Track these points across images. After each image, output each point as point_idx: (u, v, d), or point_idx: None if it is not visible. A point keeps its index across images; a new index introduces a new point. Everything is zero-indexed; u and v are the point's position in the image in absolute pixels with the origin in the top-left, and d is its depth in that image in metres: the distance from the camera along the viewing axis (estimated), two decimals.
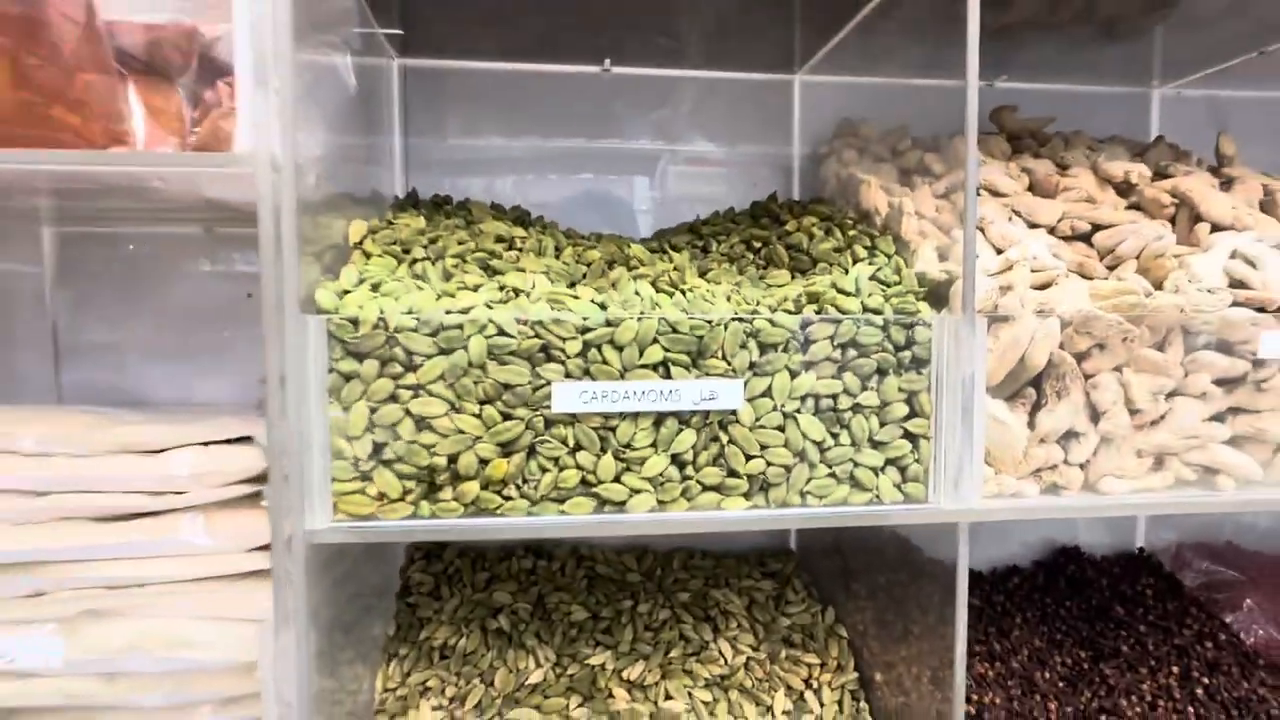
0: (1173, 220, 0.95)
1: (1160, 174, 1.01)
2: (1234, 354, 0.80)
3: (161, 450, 0.78)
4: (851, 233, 0.88)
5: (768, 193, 1.12)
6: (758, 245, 0.96)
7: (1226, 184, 1.01)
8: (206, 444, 0.80)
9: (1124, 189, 0.98)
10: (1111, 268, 0.87)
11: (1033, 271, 0.81)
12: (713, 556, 1.18)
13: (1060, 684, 1.06)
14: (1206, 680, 1.05)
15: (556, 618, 1.02)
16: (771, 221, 1.02)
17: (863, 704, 0.94)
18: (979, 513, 0.74)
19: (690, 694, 0.92)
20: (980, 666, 1.05)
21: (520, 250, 0.86)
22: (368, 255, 0.80)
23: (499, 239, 0.87)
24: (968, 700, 0.99)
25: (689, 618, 1.02)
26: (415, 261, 0.80)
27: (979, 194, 0.93)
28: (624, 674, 0.94)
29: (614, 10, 0.98)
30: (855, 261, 0.83)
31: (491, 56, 1.15)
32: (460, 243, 0.84)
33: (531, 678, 0.93)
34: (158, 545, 0.76)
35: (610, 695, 0.92)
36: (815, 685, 0.95)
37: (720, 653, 0.98)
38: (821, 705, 0.93)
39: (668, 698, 0.92)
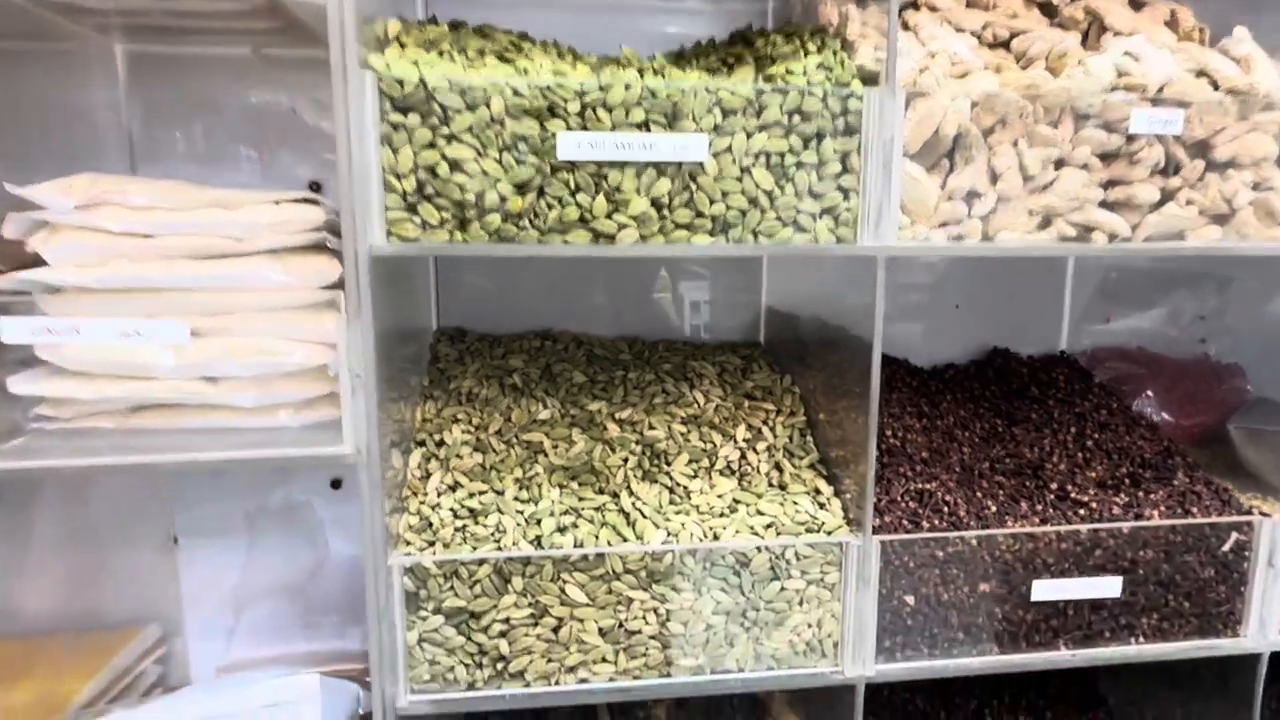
0: (1085, 35, 1.11)
1: None
2: (1113, 130, 0.98)
3: (241, 206, 0.98)
4: (807, 39, 1.05)
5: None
6: (730, 60, 1.13)
7: (1138, 6, 1.16)
8: (278, 202, 0.99)
9: (1047, 9, 1.14)
10: (1025, 69, 1.04)
11: (952, 64, 0.98)
12: (692, 344, 1.39)
13: (976, 439, 1.28)
14: (1096, 435, 1.27)
15: (561, 380, 1.23)
16: (744, 44, 1.19)
17: (808, 437, 1.17)
18: (894, 249, 0.94)
19: (669, 427, 1.14)
20: (909, 420, 1.27)
21: (529, 55, 1.03)
22: (403, 45, 0.97)
23: (511, 43, 1.04)
24: (895, 437, 1.22)
25: (670, 379, 1.24)
26: (442, 53, 0.97)
27: (919, 8, 1.09)
28: (616, 415, 1.16)
29: None
30: (806, 55, 1.00)
31: None
32: (477, 44, 1.01)
33: (541, 415, 1.15)
34: (243, 279, 0.97)
35: (605, 428, 1.14)
36: (770, 424, 1.17)
37: (695, 400, 1.20)
38: (775, 436, 1.15)
39: (651, 429, 1.14)
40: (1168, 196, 1.01)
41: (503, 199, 0.89)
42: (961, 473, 1.18)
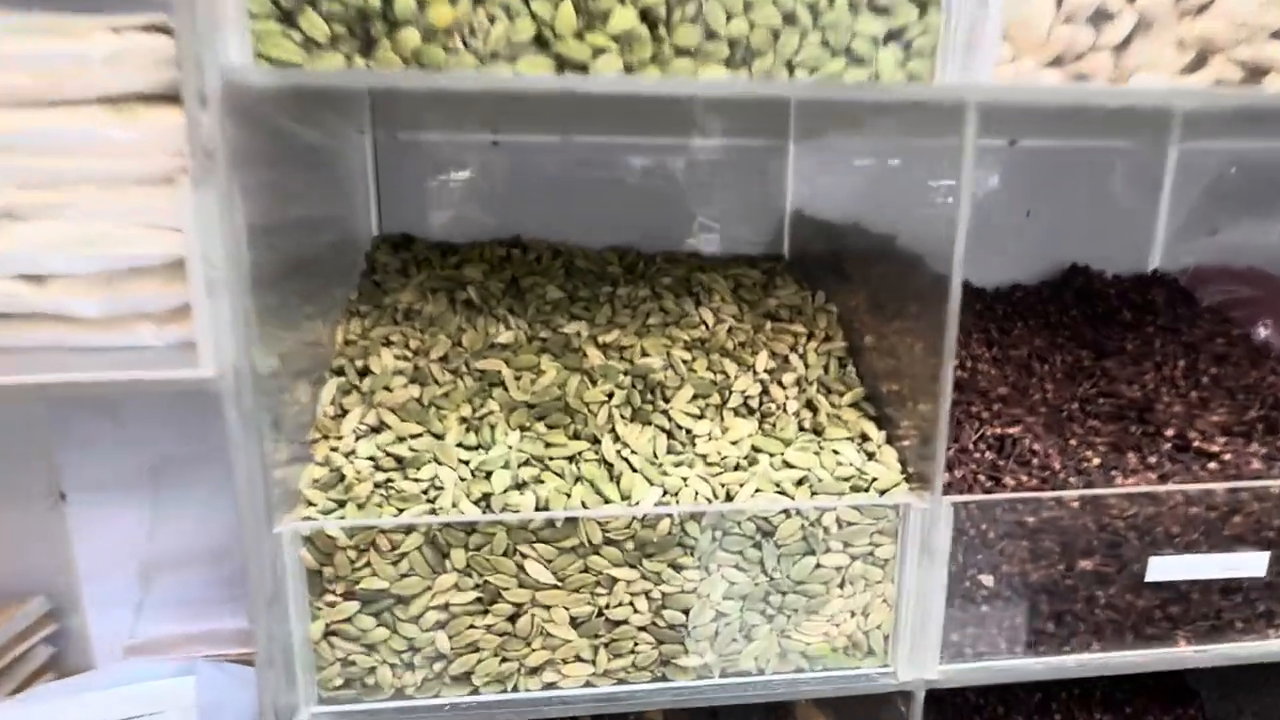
0: None
1: None
2: None
3: (68, 35, 0.70)
4: None
5: None
6: None
7: None
8: (118, 29, 0.71)
9: None
10: None
11: None
12: (699, 256, 1.11)
13: (1060, 375, 1.01)
14: (1214, 370, 1.00)
15: (531, 297, 0.96)
16: None
17: (850, 368, 0.90)
18: (990, 89, 0.66)
19: (669, 353, 0.87)
20: (978, 348, 1.00)
21: None
22: None
23: None
24: (963, 369, 0.95)
25: (671, 296, 0.96)
26: None
27: None
28: (599, 339, 0.89)
29: None
30: None
31: None
32: None
33: (500, 338, 0.89)
34: (70, 137, 0.69)
35: (584, 355, 0.87)
36: (801, 351, 0.90)
37: (702, 320, 0.92)
38: (806, 366, 0.88)
39: (644, 355, 0.87)
40: None
41: (423, 5, 0.60)
42: (1048, 413, 0.91)
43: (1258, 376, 0.98)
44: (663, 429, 0.80)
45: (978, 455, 0.81)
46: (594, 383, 0.84)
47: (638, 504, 0.73)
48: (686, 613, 0.75)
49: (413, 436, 0.76)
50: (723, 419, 0.82)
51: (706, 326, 0.92)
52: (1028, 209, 1.20)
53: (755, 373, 0.87)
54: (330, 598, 0.71)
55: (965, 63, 0.65)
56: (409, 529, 0.71)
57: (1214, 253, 1.23)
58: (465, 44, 0.62)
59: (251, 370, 0.64)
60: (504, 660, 0.74)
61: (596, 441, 0.79)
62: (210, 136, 0.59)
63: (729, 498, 0.75)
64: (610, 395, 0.83)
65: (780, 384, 0.86)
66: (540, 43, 0.62)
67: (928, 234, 0.75)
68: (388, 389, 0.81)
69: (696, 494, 0.74)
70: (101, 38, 0.69)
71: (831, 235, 1.04)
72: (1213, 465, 0.83)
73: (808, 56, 0.65)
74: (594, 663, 0.75)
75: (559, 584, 0.73)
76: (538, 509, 0.72)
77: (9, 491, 1.10)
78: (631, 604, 0.74)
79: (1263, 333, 1.12)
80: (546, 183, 1.12)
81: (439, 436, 0.77)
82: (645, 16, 0.63)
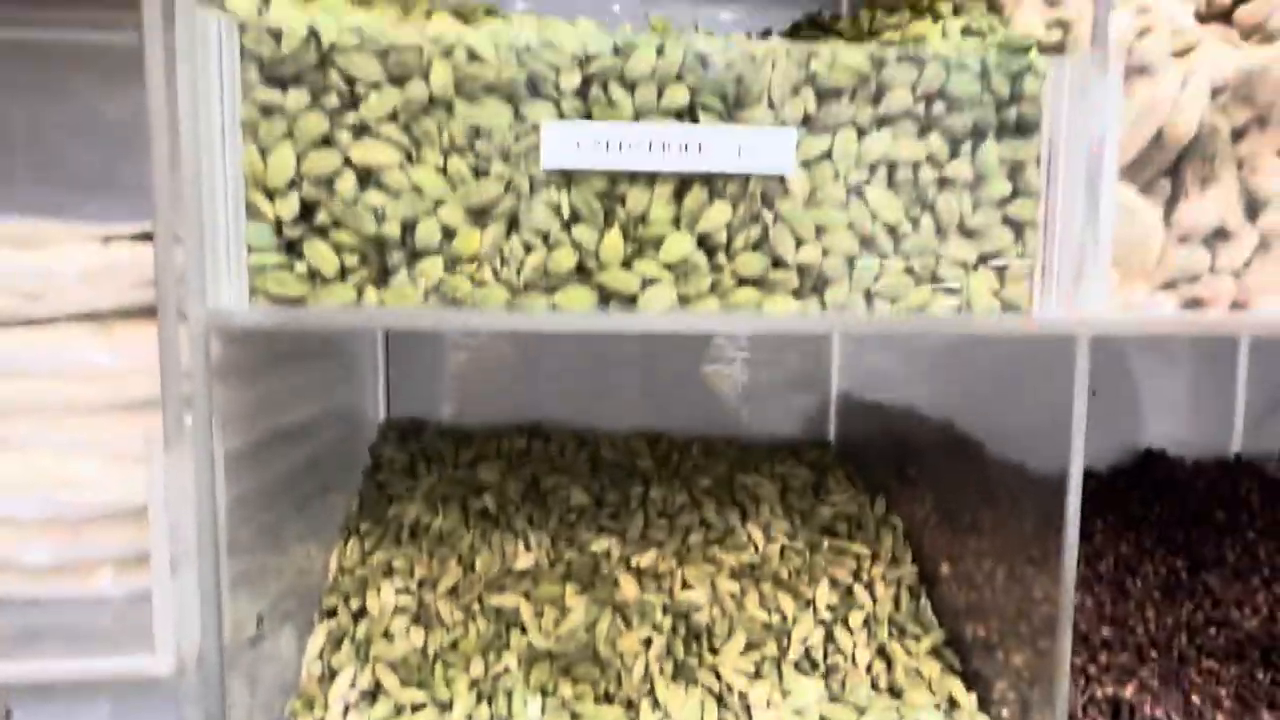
0: None
1: None
2: None
3: (47, 247, 0.62)
4: (926, 5, 0.70)
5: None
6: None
7: None
8: (107, 240, 0.63)
9: None
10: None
11: (1172, 33, 0.62)
12: (737, 445, 1.01)
13: (1156, 593, 0.88)
14: None
15: (553, 502, 0.85)
16: (822, 30, 0.84)
17: (924, 601, 0.77)
18: (1103, 322, 0.56)
19: (714, 584, 0.75)
20: None
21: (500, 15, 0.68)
22: None
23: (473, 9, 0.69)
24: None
25: (711, 503, 0.85)
26: None
27: None
28: (632, 561, 0.78)
29: None
30: (937, 20, 0.65)
31: None
32: None
33: (519, 563, 0.77)
34: (41, 360, 0.60)
35: (616, 584, 0.75)
36: (865, 578, 0.78)
37: (750, 539, 0.81)
38: (874, 600, 0.76)
39: (685, 587, 0.75)
40: None
41: (449, 234, 0.52)
42: (1159, 658, 0.77)
43: None
44: (711, 691, 0.67)
45: None
46: (628, 623, 0.71)
47: None
48: None
49: (414, 709, 0.63)
50: (781, 677, 0.69)
51: (756, 548, 0.80)
52: (1093, 388, 1.10)
53: (816, 610, 0.74)
54: None
55: (1073, 291, 0.56)
56: None
57: None
58: (496, 275, 0.53)
59: (216, 657, 0.52)
60: None
61: (632, 706, 0.65)
62: (190, 391, 0.50)
63: None
64: (648, 642, 0.70)
65: (847, 626, 0.73)
66: (582, 271, 0.54)
67: (1023, 431, 0.65)
68: (386, 635, 0.68)
69: None
70: (83, 250, 0.61)
71: (887, 422, 0.93)
72: None
73: (888, 284, 0.56)
74: None
75: None
76: None
77: None
78: None
79: None
80: (569, 358, 1.03)
81: (445, 706, 0.64)
82: (703, 243, 0.55)
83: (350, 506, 0.83)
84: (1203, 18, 0.71)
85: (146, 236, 0.63)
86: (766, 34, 0.91)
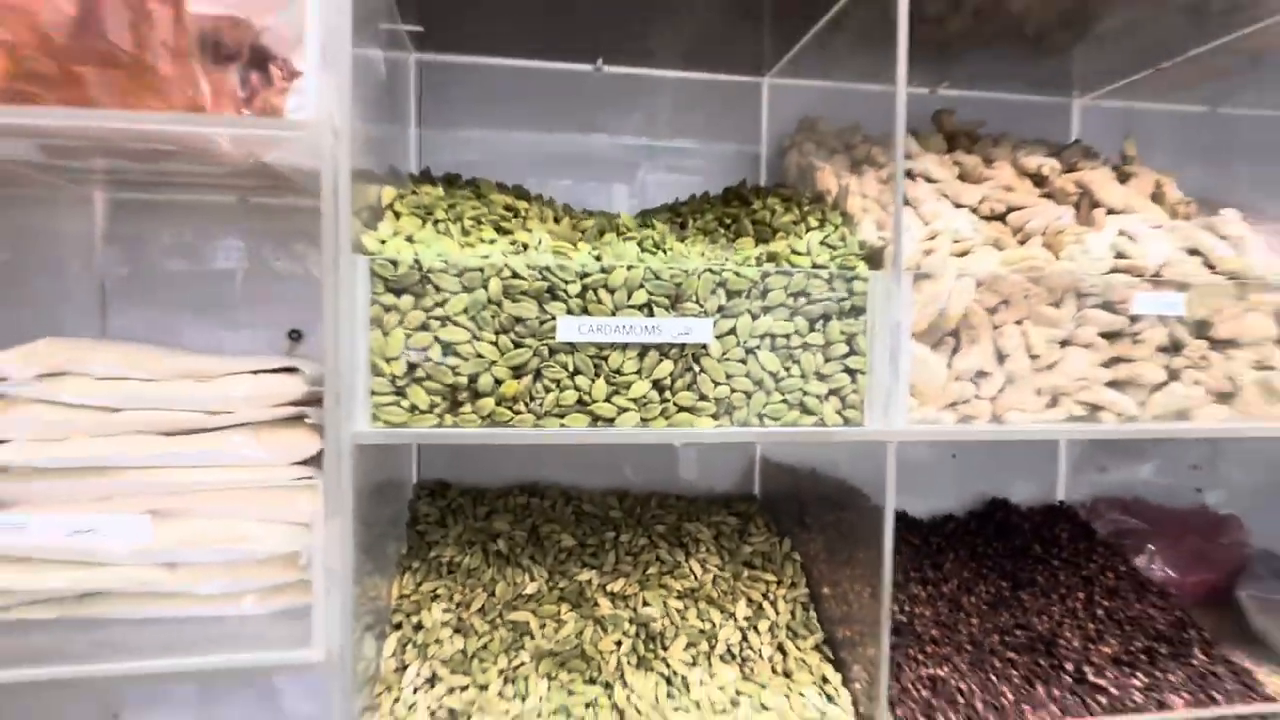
0: (1077, 207, 1.12)
1: (1070, 169, 1.18)
2: (1115, 312, 0.97)
3: (216, 377, 0.92)
4: (806, 208, 1.05)
5: (738, 181, 1.29)
6: (728, 221, 1.12)
7: (1125, 178, 1.19)
8: (256, 372, 0.94)
9: (1039, 180, 1.15)
10: (1022, 243, 1.04)
11: (954, 242, 0.98)
12: (684, 499, 1.33)
13: (983, 606, 1.22)
14: (1106, 603, 1.22)
15: (549, 545, 1.16)
16: (740, 202, 1.18)
17: (811, 613, 1.10)
18: (904, 433, 0.91)
19: (665, 602, 1.07)
20: (914, 588, 1.21)
21: (525, 217, 1.01)
22: (397, 215, 0.94)
23: (507, 207, 1.02)
24: (902, 612, 1.15)
25: (664, 544, 1.17)
26: (438, 221, 0.94)
27: (915, 179, 1.09)
28: (608, 587, 1.09)
29: (604, 13, 1.14)
30: (808, 230, 0.99)
31: (498, 53, 1.30)
32: (474, 209, 0.99)
33: (527, 589, 1.08)
34: (215, 456, 0.90)
35: (596, 603, 1.07)
36: (771, 597, 1.10)
37: (691, 570, 1.13)
38: (777, 613, 1.08)
39: (645, 605, 1.07)
40: (1173, 375, 1.00)
41: (498, 382, 0.84)
42: (973, 650, 1.11)
43: (1141, 609, 1.21)
44: (663, 675, 0.99)
45: (915, 694, 1.01)
46: (605, 631, 1.03)
47: None
48: None
49: (461, 689, 0.94)
50: (710, 665, 1.01)
51: (695, 577, 1.12)
52: (954, 452, 1.46)
53: (736, 620, 1.06)
54: None
55: (885, 412, 0.91)
56: None
57: (1105, 485, 1.49)
58: (526, 407, 0.85)
59: (350, 651, 0.82)
60: None
61: (609, 687, 0.97)
62: (343, 479, 0.81)
63: None
64: (619, 644, 1.01)
65: (756, 630, 1.06)
66: (581, 404, 0.86)
67: (870, 501, 0.98)
68: (438, 642, 0.99)
69: None
70: (244, 382, 0.92)
71: (793, 481, 1.27)
72: (1103, 699, 1.04)
73: (771, 409, 0.90)
74: None
75: None
76: None
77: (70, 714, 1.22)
78: None
79: (1148, 563, 1.36)
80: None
81: (483, 688, 0.94)
82: (656, 385, 0.87)
83: (400, 550, 1.13)
84: (988, 217, 1.08)
85: (287, 370, 0.94)
86: (704, 195, 1.26)
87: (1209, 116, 1.49)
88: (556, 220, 1.03)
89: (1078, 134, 1.46)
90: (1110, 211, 1.09)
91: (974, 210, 1.06)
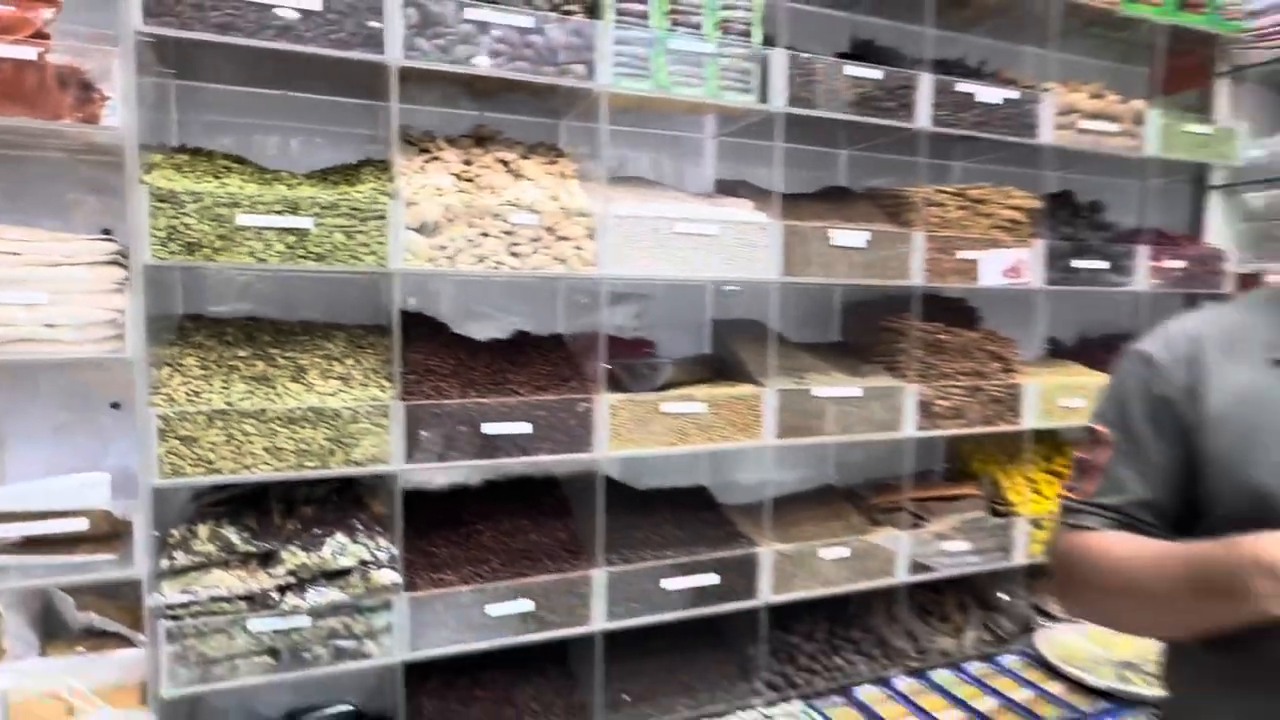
0: (516, 175, 2.39)
1: (524, 158, 2.46)
2: (508, 220, 2.25)
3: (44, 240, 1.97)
4: (377, 170, 2.23)
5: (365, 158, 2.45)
6: (349, 176, 2.29)
7: (553, 163, 2.48)
8: (88, 238, 2.00)
9: (504, 162, 2.41)
10: (479, 192, 2.29)
11: (438, 190, 2.21)
12: (324, 324, 2.51)
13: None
14: None
15: (257, 336, 2.29)
16: (358, 168, 2.35)
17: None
18: (405, 270, 2.13)
19: (312, 360, 2.25)
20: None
21: (232, 171, 2.12)
22: (161, 167, 2.01)
23: (225, 166, 2.13)
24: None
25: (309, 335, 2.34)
26: (182, 170, 2.03)
27: (434, 159, 2.32)
28: (281, 357, 2.25)
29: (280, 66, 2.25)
30: (375, 180, 2.18)
31: (223, 81, 2.37)
32: (204, 166, 2.08)
33: (240, 353, 2.21)
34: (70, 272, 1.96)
35: (275, 361, 2.22)
36: (363, 365, 2.31)
37: (329, 350, 2.31)
38: (363, 370, 2.29)
39: (299, 362, 2.24)
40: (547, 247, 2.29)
41: (222, 238, 1.96)
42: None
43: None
44: (305, 387, 2.17)
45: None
46: (278, 368, 2.19)
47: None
48: None
49: (202, 391, 2.07)
50: (329, 382, 2.20)
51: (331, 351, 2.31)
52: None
53: (345, 367, 2.26)
54: None
55: (397, 260, 2.12)
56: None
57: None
58: (255, 257, 1.99)
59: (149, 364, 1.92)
60: None
61: (277, 390, 2.13)
62: (135, 282, 1.90)
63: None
64: (287, 372, 2.18)
65: (355, 375, 2.26)
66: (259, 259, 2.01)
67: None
68: (190, 372, 2.10)
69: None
70: (79, 241, 1.98)
71: (369, 299, 2.47)
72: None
73: (343, 252, 2.09)
74: None
75: None
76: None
77: None
78: None
79: None
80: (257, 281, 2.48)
81: (212, 385, 2.07)
82: (293, 236, 2.04)
83: (170, 339, 2.22)
84: (466, 179, 2.33)
85: (104, 237, 2.01)
86: (350, 164, 2.42)
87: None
88: (250, 173, 2.15)
89: (564, 141, 2.76)
90: (529, 179, 2.37)
91: (458, 176, 2.30)
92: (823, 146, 3.19)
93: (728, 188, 2.89)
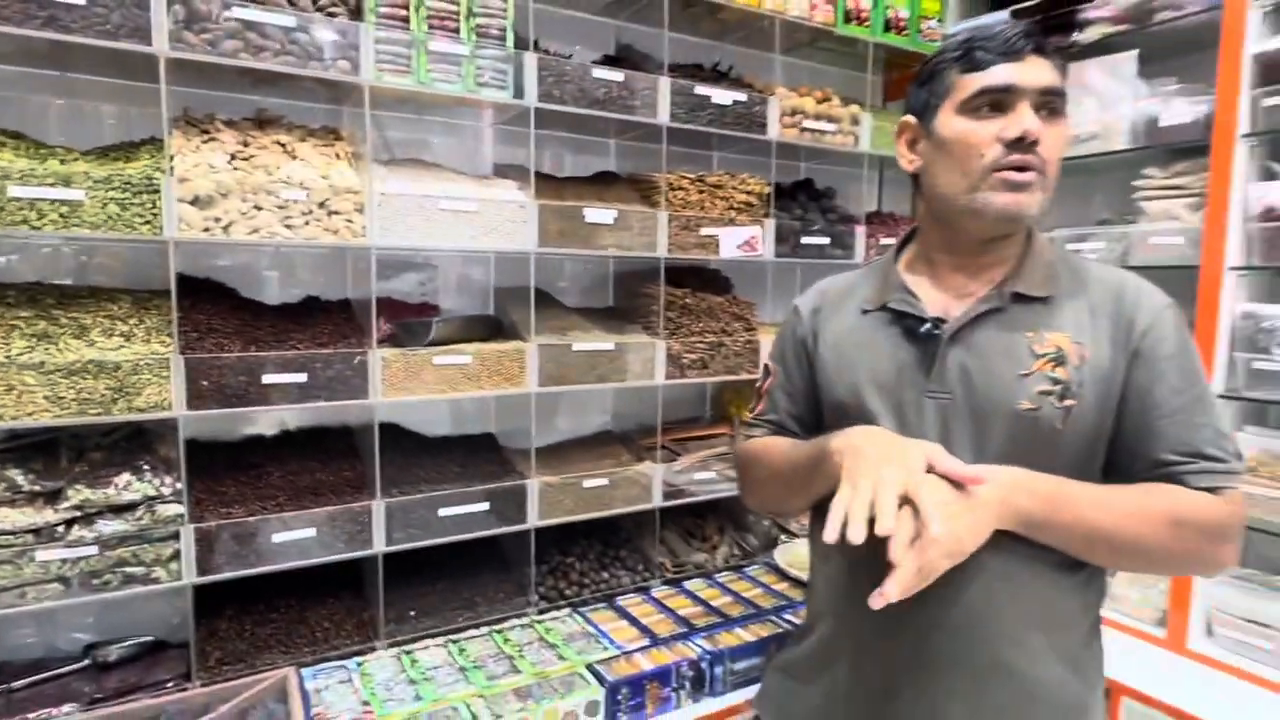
0: (293, 156, 2.70)
1: (302, 140, 2.76)
2: (271, 191, 2.57)
3: None
4: (153, 149, 2.48)
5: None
6: (132, 154, 2.52)
7: (330, 145, 2.79)
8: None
9: (283, 145, 2.71)
10: (251, 172, 2.59)
11: (211, 167, 2.49)
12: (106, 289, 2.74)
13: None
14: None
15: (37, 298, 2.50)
16: (142, 145, 2.58)
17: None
18: (177, 239, 2.41)
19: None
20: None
21: (6, 145, 2.32)
22: None
23: (5, 139, 2.33)
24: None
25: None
26: None
27: (216, 140, 2.59)
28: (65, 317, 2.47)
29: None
30: (145, 160, 2.43)
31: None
32: None
33: (21, 312, 2.42)
34: None
35: (59, 321, 2.44)
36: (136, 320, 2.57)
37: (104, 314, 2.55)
38: (143, 328, 2.55)
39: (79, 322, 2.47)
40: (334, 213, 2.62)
41: None
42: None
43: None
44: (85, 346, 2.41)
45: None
46: (61, 327, 2.41)
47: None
48: None
49: None
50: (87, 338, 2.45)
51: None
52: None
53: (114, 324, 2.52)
54: None
55: (172, 229, 2.39)
56: None
57: None
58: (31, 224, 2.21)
59: None
60: None
61: (55, 348, 2.36)
62: None
63: None
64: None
65: (135, 333, 2.52)
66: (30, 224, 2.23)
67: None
68: None
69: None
70: None
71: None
72: None
73: (131, 217, 2.34)
74: None
75: None
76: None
77: None
78: None
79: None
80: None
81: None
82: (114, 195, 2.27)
83: None
84: (242, 158, 2.62)
85: None
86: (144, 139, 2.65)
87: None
88: (25, 148, 2.35)
89: (346, 127, 3.07)
90: (300, 159, 2.68)
91: (234, 155, 2.58)
92: (596, 136, 3.65)
93: (503, 171, 3.30)
